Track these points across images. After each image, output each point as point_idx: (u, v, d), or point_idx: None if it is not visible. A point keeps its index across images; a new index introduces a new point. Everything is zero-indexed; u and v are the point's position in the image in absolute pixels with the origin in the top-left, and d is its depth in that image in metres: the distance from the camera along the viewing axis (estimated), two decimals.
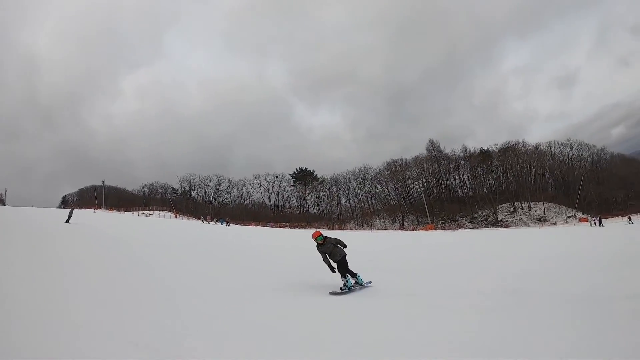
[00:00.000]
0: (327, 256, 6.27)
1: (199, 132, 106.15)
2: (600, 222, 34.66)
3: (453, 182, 68.05)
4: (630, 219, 35.09)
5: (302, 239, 18.34)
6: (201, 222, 42.17)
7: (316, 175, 75.38)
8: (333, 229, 57.04)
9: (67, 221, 17.62)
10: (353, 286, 6.28)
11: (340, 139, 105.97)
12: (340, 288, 6.15)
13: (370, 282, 6.72)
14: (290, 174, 77.04)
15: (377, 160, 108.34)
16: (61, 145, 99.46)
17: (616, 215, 46.68)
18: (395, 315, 4.86)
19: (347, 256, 6.37)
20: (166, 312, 4.65)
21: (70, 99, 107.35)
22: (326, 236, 6.42)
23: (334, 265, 6.28)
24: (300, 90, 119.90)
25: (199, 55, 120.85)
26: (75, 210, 20.79)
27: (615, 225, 31.89)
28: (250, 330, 4.17)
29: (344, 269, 6.25)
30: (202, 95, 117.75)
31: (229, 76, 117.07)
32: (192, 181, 73.63)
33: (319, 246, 6.34)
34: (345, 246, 6.45)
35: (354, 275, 6.39)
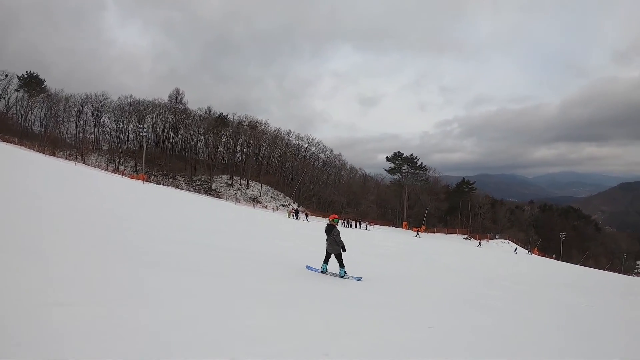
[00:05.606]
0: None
1: None
2: (296, 215, 36.65)
3: (188, 141, 65.00)
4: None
5: None
6: None
7: (45, 86, 63.12)
8: (44, 153, 47.37)
9: None
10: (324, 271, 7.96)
11: (137, 67, 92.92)
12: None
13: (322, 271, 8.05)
14: (18, 76, 63.06)
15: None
16: None
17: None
18: None
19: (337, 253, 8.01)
20: None
21: None
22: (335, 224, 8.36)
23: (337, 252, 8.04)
24: None
25: None
26: None
27: (316, 222, 34.55)
28: None
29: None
30: None
31: None
32: None
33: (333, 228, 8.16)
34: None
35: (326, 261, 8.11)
